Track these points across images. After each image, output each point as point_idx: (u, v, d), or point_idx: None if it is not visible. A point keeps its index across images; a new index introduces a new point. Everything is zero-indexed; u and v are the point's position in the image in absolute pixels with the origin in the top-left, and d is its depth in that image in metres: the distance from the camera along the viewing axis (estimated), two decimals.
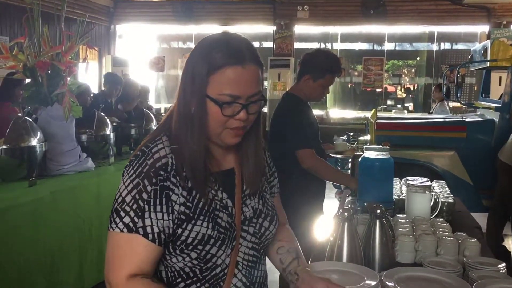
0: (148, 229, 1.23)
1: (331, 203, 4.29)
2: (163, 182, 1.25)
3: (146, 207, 1.24)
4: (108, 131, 4.36)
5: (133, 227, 1.22)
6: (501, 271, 1.84)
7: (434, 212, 2.67)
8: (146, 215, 1.23)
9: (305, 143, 3.07)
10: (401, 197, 2.98)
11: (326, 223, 3.07)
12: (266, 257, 1.53)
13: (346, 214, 1.96)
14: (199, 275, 1.30)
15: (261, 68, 1.31)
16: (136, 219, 1.23)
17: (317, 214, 3.26)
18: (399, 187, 3.25)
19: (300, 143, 3.06)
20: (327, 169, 3.13)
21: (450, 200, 2.91)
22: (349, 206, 2.01)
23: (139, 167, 1.27)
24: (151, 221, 1.23)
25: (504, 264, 1.87)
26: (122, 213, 1.24)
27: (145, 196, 1.24)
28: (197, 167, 1.27)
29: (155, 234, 1.24)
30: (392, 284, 1.42)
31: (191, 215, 1.27)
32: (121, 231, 1.23)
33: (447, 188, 3.27)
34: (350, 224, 1.96)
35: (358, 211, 2.63)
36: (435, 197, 2.75)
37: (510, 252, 4.41)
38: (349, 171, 3.39)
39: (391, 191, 2.80)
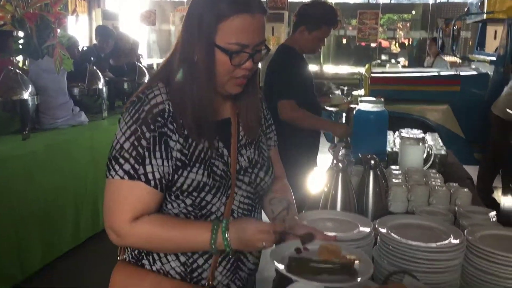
0: (150, 176, 1.24)
1: (324, 158, 4.32)
2: (161, 128, 1.25)
3: (147, 153, 1.24)
4: (101, 85, 4.31)
5: (135, 174, 1.23)
6: (492, 219, 1.88)
7: (426, 164, 2.70)
8: (147, 161, 1.23)
9: (286, 94, 3.01)
10: (394, 149, 3.00)
11: (319, 176, 3.10)
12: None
13: (340, 165, 1.98)
14: None
15: (266, 16, 1.29)
16: (137, 166, 1.23)
17: (311, 167, 3.29)
18: (393, 140, 3.27)
19: (281, 94, 3.01)
20: (308, 119, 3.07)
21: (443, 152, 2.94)
22: (343, 158, 2.02)
23: (135, 113, 1.26)
24: (152, 168, 1.24)
25: (495, 212, 1.90)
26: (122, 160, 1.24)
27: (144, 143, 1.24)
28: (201, 117, 1.27)
29: (157, 181, 1.24)
30: (385, 230, 1.45)
31: (187, 162, 1.28)
32: (122, 178, 1.23)
33: (440, 141, 3.30)
34: (344, 175, 1.98)
35: (352, 163, 2.66)
36: (428, 149, 2.77)
37: (499, 203, 4.50)
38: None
39: (385, 143, 2.82)
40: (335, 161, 2.01)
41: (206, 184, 1.28)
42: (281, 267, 1.26)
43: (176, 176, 1.27)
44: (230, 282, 1.38)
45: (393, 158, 2.94)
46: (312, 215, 1.70)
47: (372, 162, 2.04)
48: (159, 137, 1.25)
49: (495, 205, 4.55)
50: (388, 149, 3.00)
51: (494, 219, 1.89)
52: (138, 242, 1.29)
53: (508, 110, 4.31)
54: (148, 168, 1.24)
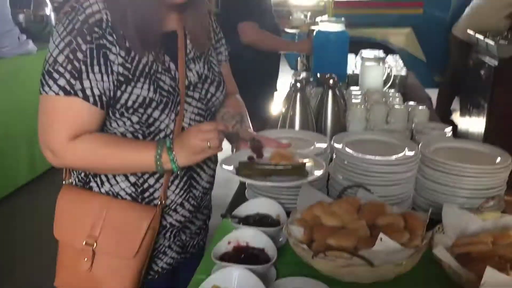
0: (88, 92, 1.15)
1: (286, 84, 4.26)
2: (99, 40, 1.15)
3: (83, 67, 1.14)
4: (48, 11, 4.04)
5: (71, 90, 1.13)
6: (447, 135, 1.89)
7: (386, 84, 2.68)
8: (84, 76, 1.14)
9: (245, 16, 2.90)
10: (355, 72, 2.96)
11: (280, 100, 3.06)
12: None
13: (298, 84, 1.93)
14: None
15: None
16: (73, 81, 1.13)
17: (271, 91, 3.23)
18: (354, 63, 3.23)
19: (240, 17, 2.90)
20: (270, 40, 3.00)
21: (403, 73, 2.92)
22: (302, 77, 1.96)
23: (69, 24, 1.15)
24: (90, 83, 1.15)
25: (451, 127, 1.92)
26: (56, 75, 1.14)
27: (80, 55, 1.14)
28: (145, 27, 1.17)
29: (96, 97, 1.16)
30: (341, 146, 1.43)
31: (131, 77, 1.19)
32: (57, 94, 1.14)
33: (401, 62, 3.27)
34: (302, 95, 1.93)
35: (311, 83, 2.62)
36: (388, 69, 2.75)
37: (457, 125, 4.61)
38: None
39: (345, 65, 2.77)
40: (293, 81, 1.96)
41: (153, 100, 1.21)
42: (229, 168, 1.24)
43: (119, 93, 1.19)
44: (184, 201, 1.35)
45: (354, 80, 2.90)
46: (269, 134, 1.67)
47: (331, 81, 1.99)
48: (97, 49, 1.15)
49: (453, 127, 4.65)
50: (349, 72, 2.96)
51: (449, 135, 1.91)
52: (76, 161, 1.21)
53: (468, 31, 4.30)
54: (86, 83, 1.15)
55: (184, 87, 1.29)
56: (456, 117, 4.90)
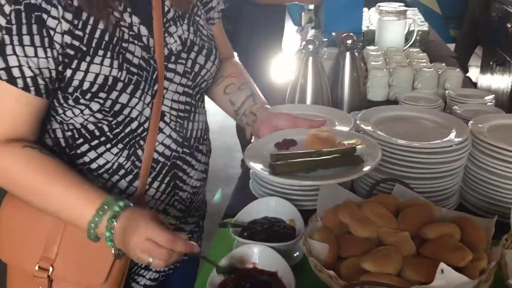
0: (15, 72, 0.84)
1: (291, 43, 3.91)
2: None
3: (7, 38, 0.82)
4: None
5: None
6: (488, 104, 1.59)
7: (408, 42, 2.35)
8: (8, 50, 0.83)
9: None
10: (370, 28, 2.62)
11: (286, 62, 2.73)
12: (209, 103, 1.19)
13: (310, 47, 1.60)
14: (108, 133, 0.95)
15: None
16: None
17: (275, 51, 2.89)
18: (368, 18, 2.88)
19: None
20: None
21: (425, 28, 2.58)
22: (314, 38, 1.63)
23: None
24: (18, 60, 0.84)
25: (493, 95, 1.61)
26: None
27: (2, 21, 0.82)
28: None
29: (28, 80, 0.85)
30: (369, 127, 1.13)
31: (84, 48, 0.87)
32: None
33: (420, 15, 2.92)
34: (315, 59, 1.61)
35: (323, 44, 2.28)
36: (411, 24, 2.41)
37: (476, 83, 4.27)
38: None
39: (361, 20, 2.43)
40: (303, 43, 1.63)
41: (118, 79, 0.90)
42: (258, 167, 0.97)
43: (70, 72, 0.86)
44: (167, 206, 1.05)
45: (370, 38, 2.56)
46: (282, 110, 1.36)
47: (349, 41, 1.67)
48: (27, 12, 0.83)
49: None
50: (364, 27, 2.62)
51: (491, 104, 1.61)
52: None
53: None
54: (11, 61, 0.84)
55: (163, 58, 0.96)
56: (473, 74, 4.56)
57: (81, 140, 0.95)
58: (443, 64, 1.99)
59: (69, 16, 0.85)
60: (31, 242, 0.96)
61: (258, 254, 0.89)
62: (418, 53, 2.14)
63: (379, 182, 1.07)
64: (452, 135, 1.09)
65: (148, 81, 0.94)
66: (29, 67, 0.84)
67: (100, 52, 0.88)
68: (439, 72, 1.86)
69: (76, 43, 0.86)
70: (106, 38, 0.89)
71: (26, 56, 0.83)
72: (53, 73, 0.86)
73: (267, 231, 0.98)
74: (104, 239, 0.86)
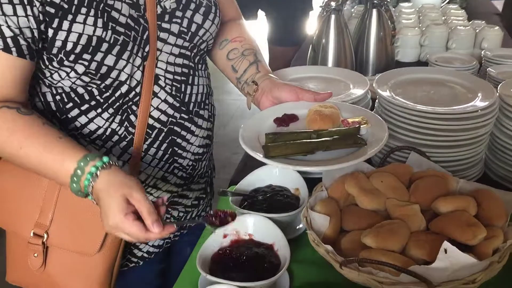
0: None
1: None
2: None
3: None
4: None
5: None
6: None
7: None
8: None
9: None
10: None
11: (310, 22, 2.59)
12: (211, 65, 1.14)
13: (332, 4, 1.50)
14: (98, 97, 0.90)
15: None
16: None
17: (305, 11, 2.75)
18: None
19: None
20: None
21: None
22: None
23: None
24: None
25: None
26: None
27: None
28: None
29: (8, 40, 0.80)
30: (386, 91, 1.04)
31: (66, 6, 0.81)
32: None
33: None
34: (337, 17, 1.51)
35: (354, 1, 2.16)
36: None
37: None
38: None
39: None
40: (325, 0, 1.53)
41: (102, 40, 0.84)
42: (251, 148, 0.89)
43: (51, 32, 0.81)
44: (167, 173, 1.01)
45: None
46: (291, 73, 1.29)
47: None
48: None
49: None
50: None
51: None
52: None
53: None
54: None
55: (155, 17, 0.90)
56: None
57: (70, 104, 0.91)
58: (483, 22, 1.84)
59: None
60: (26, 208, 0.94)
61: (254, 225, 0.85)
62: (456, 10, 1.98)
63: (393, 150, 0.99)
64: (477, 100, 0.99)
65: (137, 41, 0.88)
66: (9, 27, 0.79)
67: (83, 10, 0.82)
68: (477, 31, 1.71)
69: (57, 0, 0.81)
70: None
71: (4, 15, 0.79)
72: (35, 33, 0.81)
73: (269, 200, 0.93)
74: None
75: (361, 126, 0.93)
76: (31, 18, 0.79)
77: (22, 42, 0.81)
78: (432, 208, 0.84)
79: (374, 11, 1.56)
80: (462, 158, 0.98)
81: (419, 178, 0.89)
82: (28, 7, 0.79)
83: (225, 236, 0.84)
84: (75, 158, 0.79)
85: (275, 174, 0.99)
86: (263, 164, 0.93)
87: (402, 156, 1.00)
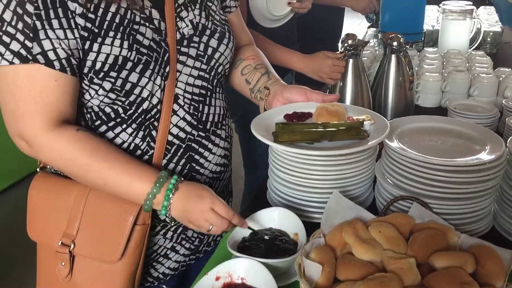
0: (51, 55, 0.88)
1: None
2: None
3: (38, 23, 0.86)
4: None
5: (28, 55, 0.87)
6: None
7: (473, 44, 2.17)
8: (42, 35, 0.87)
9: None
10: (435, 27, 2.45)
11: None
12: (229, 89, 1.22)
13: (350, 48, 1.52)
14: (122, 114, 0.99)
15: None
16: (28, 43, 0.86)
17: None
18: (436, 17, 2.70)
19: None
20: None
21: (497, 29, 2.37)
22: (356, 40, 1.55)
23: None
24: (52, 43, 0.88)
25: None
26: (6, 38, 0.86)
27: (30, 8, 0.86)
28: None
29: (63, 61, 0.89)
30: (393, 141, 1.03)
31: (96, 30, 0.90)
32: (11, 62, 0.87)
33: (495, 15, 2.69)
34: (355, 62, 1.53)
35: (379, 45, 2.17)
36: (478, 25, 2.22)
37: None
38: None
39: (422, 20, 2.28)
40: (345, 44, 1.55)
41: (127, 59, 0.93)
42: (262, 134, 1.00)
43: (84, 52, 0.91)
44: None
45: (433, 39, 2.42)
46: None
47: (395, 43, 1.56)
48: None
49: None
50: (428, 27, 2.46)
51: None
52: (52, 160, 0.96)
53: None
54: (46, 45, 0.87)
55: (175, 42, 0.99)
56: None
57: (99, 121, 0.99)
58: (509, 69, 1.81)
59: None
60: (55, 220, 1.01)
61: (248, 269, 0.85)
62: (481, 56, 1.96)
63: (395, 200, 0.98)
64: (484, 152, 0.97)
65: (158, 62, 0.97)
66: (63, 49, 0.88)
67: (111, 34, 0.91)
68: (500, 79, 1.69)
69: (89, 25, 0.89)
70: (117, 20, 0.92)
71: (58, 38, 0.87)
72: (81, 53, 0.90)
73: (267, 244, 0.93)
74: (160, 209, 0.94)
75: (365, 121, 1.02)
76: (78, 40, 0.90)
77: (73, 62, 0.90)
78: (429, 263, 0.82)
79: (393, 57, 1.56)
80: (467, 212, 0.96)
81: (420, 230, 0.88)
82: (75, 30, 0.89)
83: (217, 278, 0.85)
84: (150, 179, 0.93)
85: (275, 217, 0.99)
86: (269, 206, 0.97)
87: (406, 206, 0.98)
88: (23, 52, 0.87)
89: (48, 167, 1.09)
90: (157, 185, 0.92)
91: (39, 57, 0.87)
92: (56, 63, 0.88)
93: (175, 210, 0.94)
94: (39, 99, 0.90)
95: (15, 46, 0.87)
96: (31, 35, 0.87)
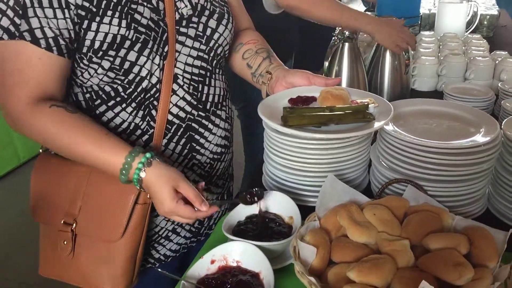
0: (38, 33, 0.89)
1: None
2: None
3: (28, 1, 0.87)
4: None
5: (16, 32, 0.88)
6: None
7: (470, 27, 2.16)
8: (30, 13, 0.88)
9: None
10: (432, 11, 2.44)
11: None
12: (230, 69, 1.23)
13: (346, 32, 1.51)
14: (122, 93, 0.99)
15: None
16: (17, 20, 0.88)
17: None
18: (433, 1, 2.69)
19: None
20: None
21: (494, 12, 2.36)
22: None
23: None
24: (40, 22, 0.89)
25: None
26: None
27: None
28: None
29: (50, 40, 0.90)
30: (390, 126, 1.03)
31: (94, 9, 0.90)
32: (1, 38, 0.89)
33: None
34: (351, 46, 1.52)
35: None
36: (474, 8, 2.21)
37: None
38: None
39: (418, 3, 2.27)
40: (339, 28, 1.54)
41: (126, 38, 0.93)
42: (270, 118, 1.00)
43: (82, 32, 0.91)
44: (185, 169, 1.08)
45: (429, 23, 2.40)
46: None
47: None
48: None
49: None
50: (425, 10, 2.45)
51: None
52: (34, 136, 0.96)
53: None
54: (34, 23, 0.88)
55: (174, 22, 0.99)
56: None
57: (99, 101, 1.00)
58: (505, 52, 1.81)
59: None
60: (58, 200, 1.03)
61: (243, 253, 0.85)
62: (477, 40, 1.95)
63: (390, 183, 0.98)
64: (479, 135, 0.97)
65: (157, 41, 0.97)
66: (50, 28, 0.89)
67: (109, 13, 0.91)
68: (497, 62, 1.69)
69: (86, 4, 0.90)
70: (115, 0, 0.92)
71: (46, 17, 0.88)
72: (72, 33, 0.91)
73: (262, 227, 0.94)
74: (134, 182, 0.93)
75: (369, 105, 1.03)
76: (68, 20, 0.90)
77: (61, 42, 0.90)
78: (423, 244, 0.82)
79: None
80: (462, 194, 0.96)
81: (413, 213, 0.88)
82: (66, 10, 0.89)
83: (212, 261, 0.85)
84: (122, 154, 0.91)
85: (271, 200, 0.99)
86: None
87: (401, 189, 0.99)
88: (11, 28, 0.89)
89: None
90: (132, 154, 0.91)
91: (26, 34, 0.88)
92: (42, 41, 0.89)
93: (146, 188, 0.92)
94: (23, 74, 0.91)
95: (4, 22, 0.89)
96: (20, 12, 0.88)
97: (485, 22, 2.34)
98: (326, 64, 1.56)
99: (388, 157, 1.01)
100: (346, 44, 1.52)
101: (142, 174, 0.91)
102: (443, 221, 0.86)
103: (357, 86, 1.54)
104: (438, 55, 1.79)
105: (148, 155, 0.91)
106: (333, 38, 1.55)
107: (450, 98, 1.47)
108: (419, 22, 2.26)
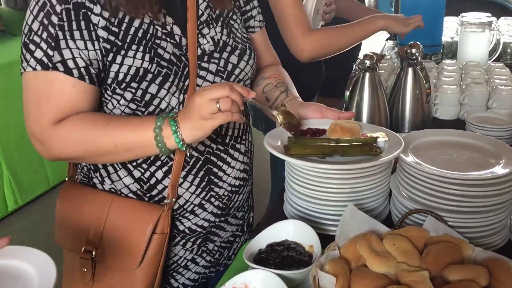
0: (70, 64, 0.94)
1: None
2: None
3: (60, 34, 0.93)
4: None
5: (49, 63, 0.93)
6: None
7: (493, 56, 2.16)
8: (63, 44, 0.93)
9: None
10: (454, 39, 2.45)
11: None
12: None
13: (367, 62, 1.54)
14: None
15: None
16: (50, 52, 0.93)
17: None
18: (455, 28, 2.69)
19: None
20: (339, 33, 1.75)
21: None
22: (373, 54, 1.56)
23: None
24: (71, 53, 0.94)
25: None
26: (32, 46, 0.94)
27: (55, 19, 0.92)
28: None
29: (82, 69, 0.95)
30: (408, 155, 1.04)
31: (119, 43, 0.95)
32: (34, 69, 0.94)
33: None
34: (372, 75, 1.54)
35: (397, 57, 2.18)
36: (497, 36, 2.21)
37: None
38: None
39: (440, 32, 2.28)
40: (361, 57, 1.57)
41: (148, 71, 0.97)
42: (274, 144, 1.03)
43: (108, 64, 0.96)
44: (203, 201, 1.10)
45: (452, 51, 2.41)
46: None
47: (412, 55, 1.57)
48: (75, 10, 0.93)
49: None
50: (447, 39, 2.46)
51: None
52: (63, 148, 0.99)
53: None
54: (66, 54, 0.94)
55: (196, 57, 1.03)
56: None
57: None
58: None
59: (106, 14, 0.94)
60: (80, 227, 1.06)
61: (263, 281, 0.87)
62: (500, 68, 1.95)
63: (410, 213, 0.99)
64: (498, 166, 0.98)
65: (178, 75, 1.00)
66: (82, 58, 0.94)
67: (134, 47, 0.97)
68: None
69: (112, 38, 0.95)
70: (140, 34, 0.97)
71: (78, 48, 0.93)
72: (100, 64, 0.96)
73: (282, 255, 0.95)
74: (173, 139, 0.93)
75: (379, 138, 1.03)
76: (98, 52, 0.95)
77: (92, 71, 0.96)
78: (443, 276, 0.83)
79: (410, 70, 1.57)
80: (482, 225, 0.97)
81: (433, 243, 0.89)
82: (95, 42, 0.95)
83: None
84: (152, 121, 0.94)
85: (290, 229, 1.01)
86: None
87: (421, 219, 0.99)
88: (45, 59, 0.94)
89: (76, 176, 1.15)
90: (160, 119, 0.93)
91: (59, 65, 0.94)
92: (75, 71, 0.94)
93: (185, 128, 0.92)
94: (52, 102, 0.96)
95: (38, 54, 0.94)
96: (53, 44, 0.93)
97: (509, 50, 2.33)
98: (347, 93, 1.59)
99: (408, 187, 1.03)
100: (367, 74, 1.54)
101: (178, 123, 0.92)
102: (463, 252, 0.87)
103: (378, 115, 1.55)
104: (460, 83, 1.79)
105: (171, 113, 0.95)
106: (353, 68, 1.57)
107: (472, 127, 1.47)
108: (441, 51, 2.27)
